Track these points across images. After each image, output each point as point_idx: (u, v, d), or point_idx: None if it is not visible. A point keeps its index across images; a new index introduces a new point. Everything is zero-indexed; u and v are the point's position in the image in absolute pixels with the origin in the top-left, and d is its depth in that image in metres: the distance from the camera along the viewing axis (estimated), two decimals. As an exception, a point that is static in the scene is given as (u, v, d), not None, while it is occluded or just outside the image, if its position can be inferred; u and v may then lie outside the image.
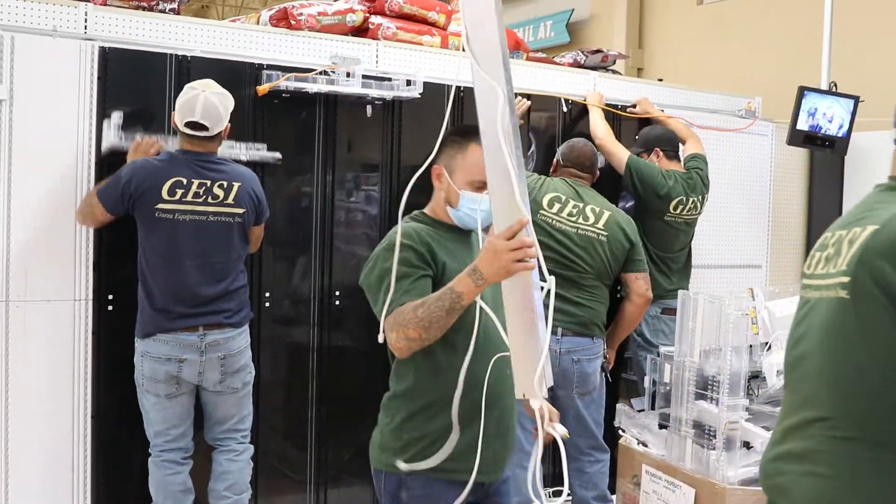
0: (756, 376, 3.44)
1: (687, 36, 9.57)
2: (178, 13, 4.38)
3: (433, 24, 5.05)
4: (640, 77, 9.70)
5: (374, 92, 4.47)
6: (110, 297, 3.94)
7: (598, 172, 4.72)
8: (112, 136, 3.87)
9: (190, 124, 3.73)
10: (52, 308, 3.81)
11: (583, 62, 5.90)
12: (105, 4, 4.09)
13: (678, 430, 3.23)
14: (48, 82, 3.80)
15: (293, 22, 4.55)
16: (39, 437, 3.84)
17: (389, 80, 4.54)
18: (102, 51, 3.91)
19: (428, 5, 5.12)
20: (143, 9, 4.21)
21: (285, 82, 4.22)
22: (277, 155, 4.28)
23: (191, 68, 4.09)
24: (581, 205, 4.43)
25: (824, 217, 6.55)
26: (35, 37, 3.79)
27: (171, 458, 3.84)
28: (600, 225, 4.43)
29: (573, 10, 11.22)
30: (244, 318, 3.92)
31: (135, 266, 3.82)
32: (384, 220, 4.55)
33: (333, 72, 4.37)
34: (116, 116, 3.88)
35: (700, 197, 5.08)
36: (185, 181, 3.73)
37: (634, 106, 5.46)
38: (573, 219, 4.41)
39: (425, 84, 4.60)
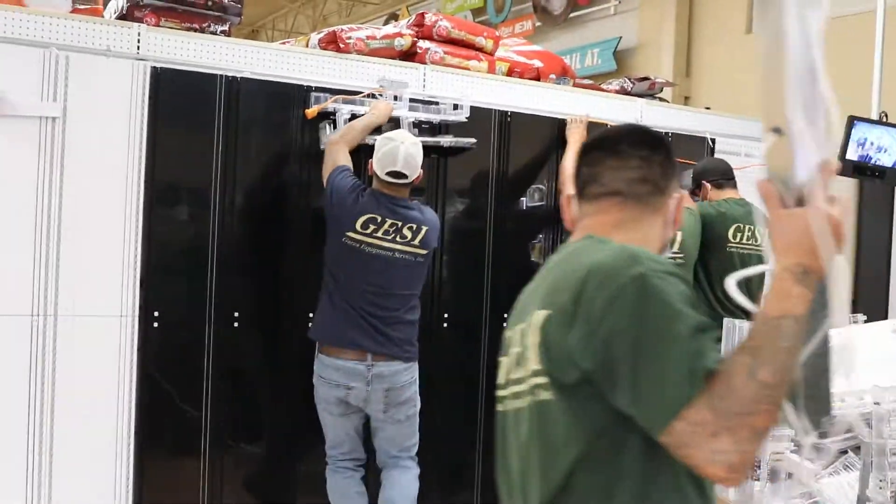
0: (802, 408, 3.40)
1: (735, 64, 9.52)
2: (229, 35, 4.44)
3: (480, 49, 5.07)
4: (688, 105, 9.67)
5: (420, 115, 4.50)
6: (156, 313, 3.97)
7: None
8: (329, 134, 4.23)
9: (391, 173, 3.98)
10: (99, 323, 3.86)
11: (630, 89, 5.89)
12: (158, 25, 4.16)
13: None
14: (101, 101, 3.87)
15: (342, 45, 4.58)
16: (84, 451, 3.87)
17: (437, 103, 4.57)
18: (154, 70, 3.97)
19: (475, 31, 5.14)
20: (195, 30, 4.28)
21: (333, 104, 4.26)
22: (472, 140, 4.57)
23: (240, 89, 4.14)
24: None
25: (873, 248, 6.47)
26: (89, 56, 3.86)
27: (346, 465, 4.14)
28: (676, 250, 4.44)
29: (620, 37, 11.23)
30: (412, 354, 4.09)
31: (179, 282, 3.90)
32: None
33: (381, 95, 4.40)
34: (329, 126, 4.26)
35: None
36: (378, 219, 3.97)
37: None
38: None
39: (472, 108, 4.62)
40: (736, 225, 5.02)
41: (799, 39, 1.60)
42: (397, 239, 4.02)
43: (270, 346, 4.32)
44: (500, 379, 1.81)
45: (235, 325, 4.14)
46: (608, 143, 1.91)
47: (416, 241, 4.05)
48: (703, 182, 5.14)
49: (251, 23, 22.20)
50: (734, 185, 5.19)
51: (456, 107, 4.59)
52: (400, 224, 4.01)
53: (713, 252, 5.00)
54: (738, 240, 5.03)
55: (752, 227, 5.07)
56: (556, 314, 1.63)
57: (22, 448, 3.75)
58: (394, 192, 4.05)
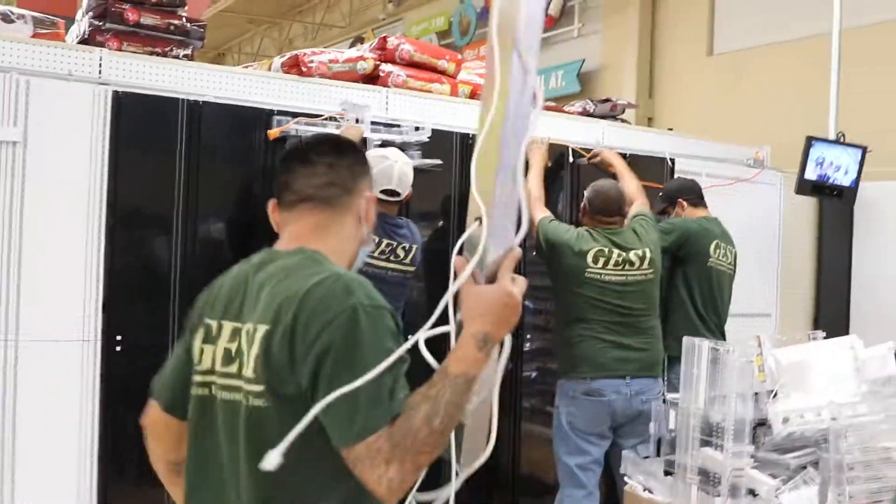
0: (762, 423, 3.43)
1: (697, 86, 9.64)
2: (192, 59, 4.45)
3: (443, 73, 5.11)
4: (651, 126, 9.77)
5: (384, 136, 4.52)
6: (119, 337, 3.95)
7: (626, 211, 4.67)
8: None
9: (386, 191, 4.07)
10: (62, 348, 3.83)
11: (592, 111, 5.95)
12: (120, 50, 4.16)
13: (683, 476, 3.21)
14: (62, 125, 3.85)
15: (304, 69, 4.61)
16: (47, 477, 3.82)
17: (398, 126, 4.59)
18: (116, 95, 3.96)
19: (438, 54, 5.19)
20: (158, 54, 4.28)
21: (295, 125, 4.27)
22: (438, 161, 4.61)
23: (202, 113, 4.15)
24: (624, 253, 4.44)
25: (834, 265, 6.57)
26: (50, 80, 3.85)
27: None
28: (646, 266, 4.46)
29: (584, 59, 11.32)
30: None
31: (142, 306, 3.90)
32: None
33: (342, 118, 4.42)
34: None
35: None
36: (376, 239, 4.04)
37: (595, 156, 5.26)
38: (620, 268, 4.42)
39: (434, 131, 4.65)
40: (715, 241, 5.11)
41: (512, 145, 1.86)
42: (391, 258, 4.14)
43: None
44: (205, 365, 1.94)
45: (199, 348, 4.12)
46: (298, 153, 2.10)
47: (408, 260, 4.21)
48: (680, 199, 5.20)
49: (217, 46, 22.19)
50: (705, 205, 5.27)
51: (417, 128, 4.62)
52: (395, 245, 4.15)
53: (695, 266, 5.07)
54: (716, 256, 5.11)
55: (726, 246, 5.15)
56: (277, 331, 1.79)
57: (-18, 475, 3.71)
58: (385, 209, 4.12)
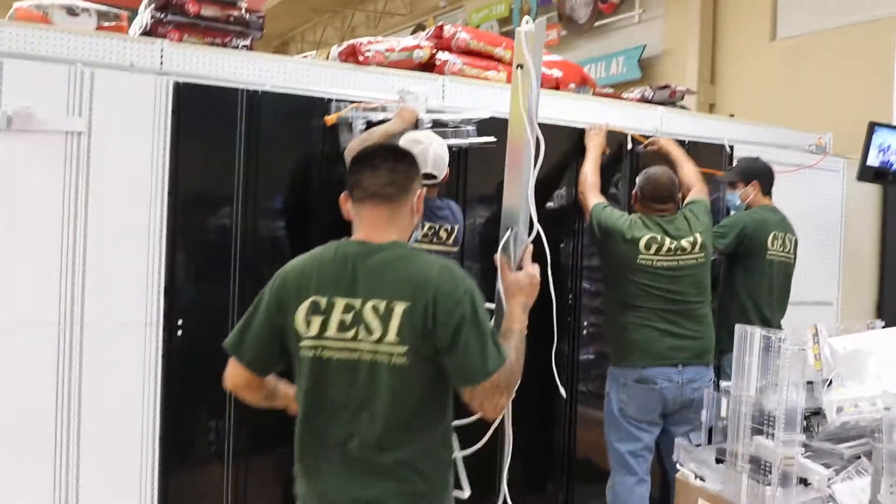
0: (817, 413, 3.40)
1: (759, 71, 9.51)
2: (251, 49, 4.52)
3: (499, 60, 5.13)
4: (713, 112, 9.67)
5: (439, 116, 4.55)
6: (180, 321, 4.05)
7: (679, 197, 4.68)
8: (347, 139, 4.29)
9: (423, 175, 4.00)
10: (124, 332, 3.94)
11: (650, 98, 5.93)
12: (181, 41, 4.25)
13: (734, 465, 3.21)
14: (125, 115, 3.95)
15: (361, 58, 4.66)
16: (110, 458, 3.95)
17: (458, 126, 4.60)
18: (177, 85, 4.05)
19: (494, 41, 5.20)
20: (217, 45, 4.36)
21: (352, 112, 4.32)
22: (492, 138, 4.53)
23: (261, 102, 4.22)
24: (676, 240, 4.44)
25: (896, 253, 6.45)
26: (114, 72, 3.95)
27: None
28: (697, 250, 4.47)
29: (645, 45, 11.23)
30: None
31: (202, 291, 4.01)
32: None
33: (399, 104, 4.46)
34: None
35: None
36: (425, 225, 4.12)
37: (651, 144, 5.25)
38: (673, 255, 4.42)
39: (491, 118, 4.66)
40: (773, 233, 5.05)
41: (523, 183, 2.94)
42: (434, 240, 4.17)
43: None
44: (313, 332, 2.47)
45: (258, 333, 4.21)
46: (366, 158, 2.64)
47: (450, 241, 4.25)
48: (756, 182, 5.16)
49: (280, 35, 22.40)
50: (771, 195, 5.23)
51: (478, 130, 4.63)
52: (437, 227, 4.18)
53: (753, 261, 5.03)
54: (775, 247, 5.06)
55: (784, 235, 5.10)
56: (418, 307, 2.41)
57: (49, 456, 3.83)
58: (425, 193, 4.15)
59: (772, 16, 9.50)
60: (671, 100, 5.99)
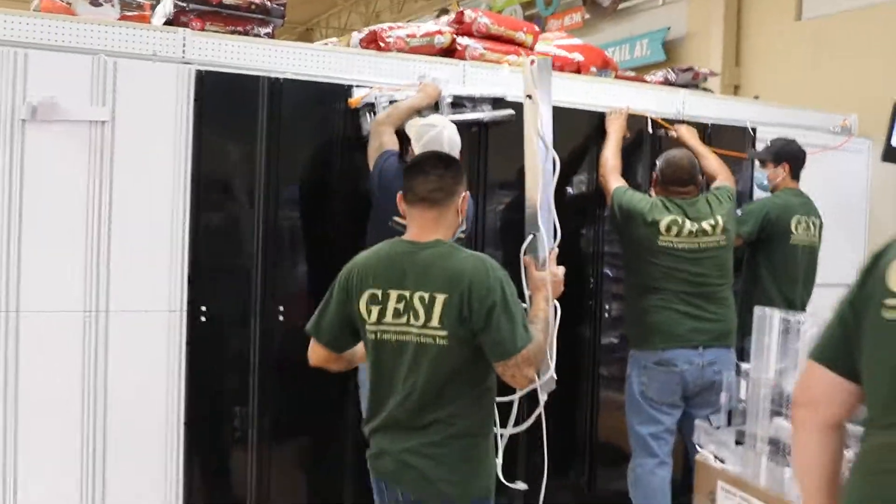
0: (838, 395, 3.41)
1: (784, 52, 9.43)
2: (273, 36, 4.55)
3: (520, 45, 5.13)
4: (738, 94, 9.60)
5: (460, 92, 4.59)
6: (203, 308, 4.10)
7: (700, 179, 4.68)
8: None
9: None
10: (149, 319, 4.00)
11: (674, 80, 5.90)
12: (203, 30, 4.28)
13: (754, 446, 3.22)
14: (148, 104, 4.00)
15: (382, 44, 4.67)
16: (135, 444, 4.01)
17: (475, 103, 4.61)
18: (199, 74, 4.08)
19: (515, 26, 5.21)
20: (239, 33, 4.39)
21: (376, 93, 4.34)
22: (511, 111, 4.58)
23: (283, 90, 4.25)
24: (697, 223, 4.44)
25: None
26: (136, 61, 3.99)
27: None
28: (719, 233, 4.47)
29: (669, 28, 11.15)
30: None
31: (226, 277, 4.10)
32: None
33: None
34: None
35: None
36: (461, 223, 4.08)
37: (668, 130, 5.24)
38: (693, 237, 4.42)
39: (512, 103, 4.66)
40: (797, 217, 5.04)
41: (544, 191, 3.62)
42: None
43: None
44: (373, 319, 2.90)
45: (281, 318, 4.26)
46: (418, 165, 3.03)
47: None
48: (787, 163, 5.14)
49: (304, 21, 22.40)
50: (799, 179, 5.21)
51: (496, 103, 4.64)
52: None
53: (777, 245, 5.02)
54: (799, 231, 5.05)
55: (808, 218, 5.08)
56: (454, 297, 2.80)
57: (75, 441, 3.90)
58: None
59: (797, -5, 9.42)
60: (694, 82, 5.97)
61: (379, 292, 2.90)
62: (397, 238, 3.04)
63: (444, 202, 2.97)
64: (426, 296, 2.84)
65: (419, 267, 2.89)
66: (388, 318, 2.89)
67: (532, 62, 3.76)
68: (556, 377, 3.33)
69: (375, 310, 2.91)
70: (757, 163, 5.33)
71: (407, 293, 2.87)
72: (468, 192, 3.08)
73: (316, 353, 3.13)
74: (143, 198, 3.98)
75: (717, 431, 3.49)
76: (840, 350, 2.04)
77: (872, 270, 2.01)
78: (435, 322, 2.82)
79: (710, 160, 4.93)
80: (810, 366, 2.11)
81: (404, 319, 2.87)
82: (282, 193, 4.28)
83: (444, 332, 2.81)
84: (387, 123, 4.21)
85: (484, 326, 2.80)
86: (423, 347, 2.84)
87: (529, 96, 3.81)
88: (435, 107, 4.43)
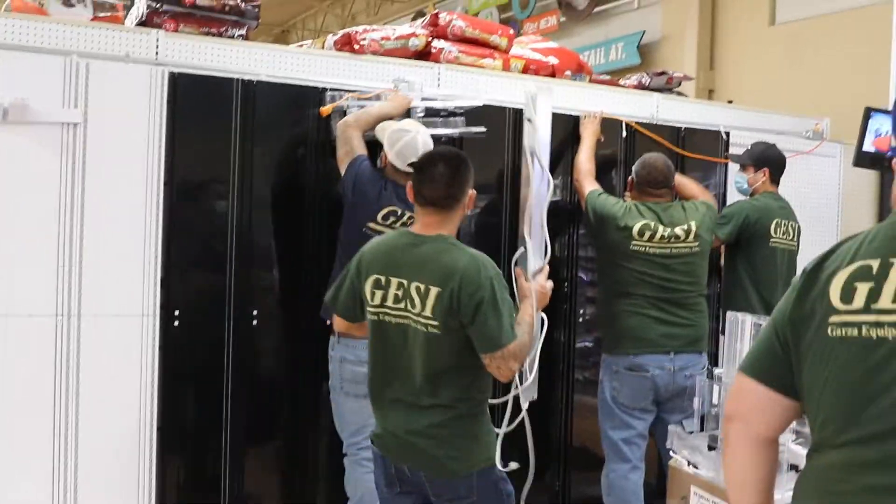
0: (809, 399, 3.42)
1: (758, 57, 9.50)
2: (247, 38, 4.53)
3: (495, 48, 5.12)
4: (712, 98, 9.66)
5: (434, 104, 4.54)
6: (176, 312, 4.08)
7: (674, 185, 4.70)
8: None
9: (412, 164, 3.98)
10: (121, 322, 3.97)
11: (647, 84, 5.92)
12: (176, 31, 4.26)
13: (726, 451, 3.23)
14: (120, 105, 3.97)
15: (356, 46, 4.66)
16: (108, 449, 3.98)
17: (452, 114, 4.61)
18: (172, 76, 4.06)
19: (490, 29, 5.20)
20: (213, 35, 4.37)
21: (347, 101, 4.33)
22: (482, 129, 4.58)
23: (256, 92, 4.23)
24: (670, 228, 4.45)
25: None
26: (109, 62, 3.96)
27: (367, 455, 4.12)
28: (691, 239, 4.48)
29: (644, 31, 11.21)
30: None
31: (198, 281, 4.07)
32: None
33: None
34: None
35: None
36: (398, 212, 4.07)
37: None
38: (666, 242, 4.43)
39: (487, 106, 4.67)
40: (776, 220, 5.06)
41: (537, 210, 4.09)
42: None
43: (289, 341, 4.41)
44: (376, 302, 3.13)
45: (254, 322, 4.24)
46: (426, 168, 3.17)
47: None
48: (767, 169, 5.16)
49: (281, 23, 22.36)
50: (778, 183, 5.24)
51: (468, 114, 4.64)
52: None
53: (756, 248, 5.03)
54: (778, 234, 5.06)
55: (787, 222, 5.10)
56: (446, 291, 2.99)
57: (47, 446, 3.87)
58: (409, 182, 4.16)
59: (770, 0, 9.49)
60: (668, 86, 5.98)
61: (382, 278, 3.13)
62: (404, 229, 3.34)
63: (451, 207, 3.16)
64: (422, 287, 3.05)
65: (418, 259, 3.10)
66: (390, 302, 3.11)
67: (532, 88, 4.23)
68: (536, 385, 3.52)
69: (378, 294, 3.13)
70: (736, 166, 5.35)
71: (405, 281, 3.08)
72: (475, 191, 3.25)
73: (338, 321, 3.51)
74: (115, 200, 3.96)
75: (690, 436, 3.50)
76: (775, 366, 1.96)
77: (810, 286, 1.92)
78: (428, 312, 3.03)
79: (692, 186, 4.96)
80: (742, 379, 2.02)
81: (402, 305, 3.09)
82: (255, 196, 4.26)
83: (435, 322, 3.02)
84: (355, 127, 4.19)
85: (472, 320, 2.99)
86: (418, 333, 3.06)
87: (529, 119, 4.25)
88: (406, 115, 4.41)
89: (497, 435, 3.23)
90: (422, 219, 3.19)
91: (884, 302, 1.76)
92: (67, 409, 3.88)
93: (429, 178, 3.14)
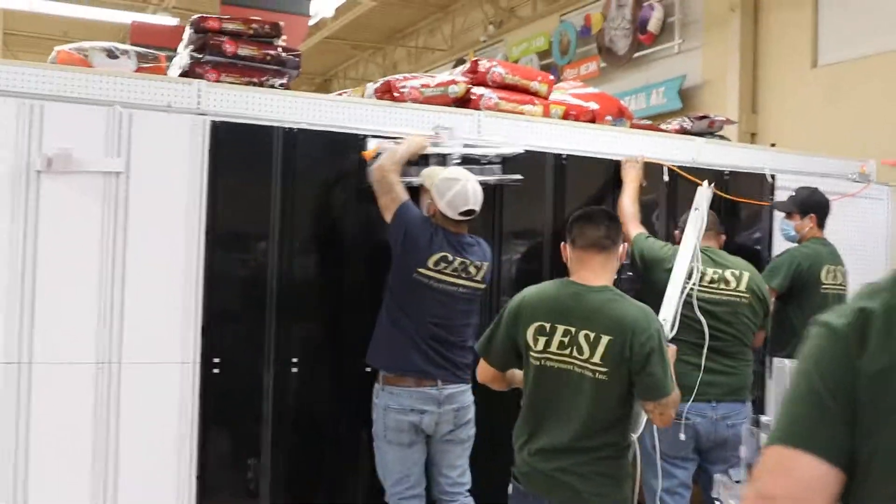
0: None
1: (801, 99, 9.43)
2: (288, 87, 4.57)
3: (535, 94, 5.12)
4: (755, 142, 9.59)
5: (473, 151, 4.54)
6: (216, 360, 4.07)
7: (722, 234, 4.69)
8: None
9: (465, 212, 4.14)
10: (162, 370, 3.97)
11: (689, 128, 5.88)
12: (218, 81, 4.30)
13: (775, 501, 3.15)
14: (163, 155, 4.01)
15: (396, 94, 4.68)
16: (148, 498, 3.97)
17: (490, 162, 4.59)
18: (214, 125, 4.09)
19: (530, 75, 5.20)
20: (255, 84, 4.42)
21: (388, 144, 4.32)
22: (519, 176, 4.59)
23: (297, 140, 4.25)
24: (721, 271, 4.40)
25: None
26: (151, 112, 4.00)
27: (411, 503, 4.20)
28: (742, 288, 4.42)
29: (685, 75, 11.20)
30: (470, 377, 4.18)
31: (238, 328, 4.09)
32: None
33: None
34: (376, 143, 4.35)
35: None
36: (450, 257, 4.12)
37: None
38: (715, 286, 4.38)
39: (528, 151, 4.66)
40: (826, 266, 5.00)
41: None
42: (463, 275, 4.16)
43: (330, 389, 4.39)
44: (539, 348, 3.29)
45: (294, 369, 4.22)
46: (588, 216, 3.45)
47: (479, 277, 4.22)
48: (813, 215, 5.11)
49: (323, 72, 22.68)
50: (824, 227, 5.18)
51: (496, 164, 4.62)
52: (468, 262, 4.16)
53: (809, 295, 4.96)
54: (828, 280, 5.00)
55: (836, 267, 5.04)
56: (618, 340, 3.19)
57: (86, 495, 3.86)
58: (459, 230, 4.19)
59: (812, 43, 9.44)
60: (710, 130, 5.94)
61: (547, 325, 3.30)
62: (566, 279, 3.44)
63: (611, 248, 3.40)
64: (591, 334, 3.22)
65: (588, 308, 3.28)
66: (553, 348, 3.28)
67: (707, 183, 4.63)
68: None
69: (542, 340, 3.30)
70: (781, 214, 5.29)
71: (573, 329, 3.25)
72: (626, 244, 3.61)
73: (483, 371, 3.58)
74: (157, 249, 3.98)
75: (736, 485, 3.41)
76: (835, 433, 1.55)
77: (882, 330, 1.56)
78: (597, 359, 3.21)
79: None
80: (788, 454, 1.57)
81: (568, 351, 3.25)
82: (296, 244, 4.27)
83: (604, 369, 3.20)
84: (393, 171, 4.18)
85: (641, 369, 3.18)
86: (582, 379, 3.23)
87: (697, 209, 4.50)
88: (441, 160, 4.41)
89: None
90: (584, 263, 3.39)
91: None
92: (107, 457, 3.87)
93: (590, 222, 3.41)
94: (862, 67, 8.64)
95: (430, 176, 4.20)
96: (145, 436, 3.94)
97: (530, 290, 3.47)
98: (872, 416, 1.52)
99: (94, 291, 3.86)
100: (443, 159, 4.41)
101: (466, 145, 4.52)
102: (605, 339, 3.21)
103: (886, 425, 1.51)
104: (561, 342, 3.27)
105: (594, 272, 3.37)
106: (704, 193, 4.56)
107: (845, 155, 6.28)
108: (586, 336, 3.23)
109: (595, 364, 3.22)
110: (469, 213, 4.16)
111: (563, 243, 3.50)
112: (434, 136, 4.47)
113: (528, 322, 3.34)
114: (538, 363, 3.32)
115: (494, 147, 4.59)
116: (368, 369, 4.22)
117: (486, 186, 4.44)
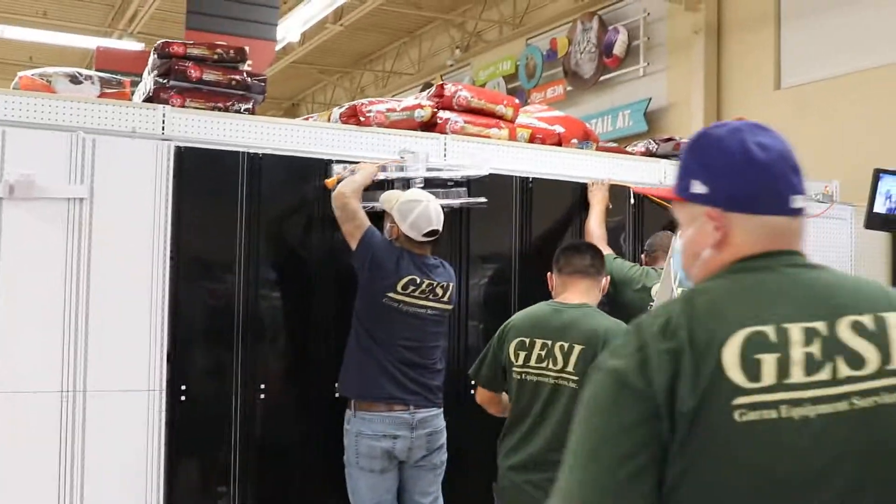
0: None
1: (765, 121, 9.21)
2: (254, 112, 4.55)
3: (501, 118, 5.13)
4: (720, 163, 9.66)
5: (439, 174, 4.56)
6: (183, 387, 4.03)
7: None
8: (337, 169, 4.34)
9: (429, 233, 4.15)
10: (128, 398, 3.92)
11: (654, 150, 5.92)
12: (183, 106, 4.28)
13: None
14: (126, 181, 3.97)
15: (362, 118, 4.67)
16: (114, 526, 3.91)
17: (455, 185, 4.62)
18: (178, 150, 4.07)
19: (496, 99, 5.22)
20: (220, 109, 4.39)
21: (346, 173, 4.31)
22: (483, 199, 4.63)
23: (262, 165, 4.24)
24: None
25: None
26: (115, 138, 3.98)
27: None
28: None
29: (650, 98, 11.29)
30: (442, 400, 4.22)
31: (205, 355, 4.04)
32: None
33: (402, 166, 4.47)
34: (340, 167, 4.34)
35: None
36: (417, 280, 4.13)
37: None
38: None
39: (493, 175, 4.68)
40: None
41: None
42: (430, 297, 4.16)
43: (298, 415, 4.35)
44: (520, 362, 3.53)
45: (262, 396, 4.19)
46: (575, 247, 3.80)
47: (446, 298, 4.23)
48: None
49: (291, 97, 22.63)
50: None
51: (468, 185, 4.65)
52: (434, 284, 4.17)
53: None
54: None
55: None
56: (590, 349, 3.34)
57: (51, 524, 3.80)
58: (422, 251, 4.20)
59: (776, 65, 9.56)
60: (675, 152, 5.98)
61: (527, 340, 3.54)
62: (550, 300, 3.69)
63: (594, 276, 3.68)
64: (566, 345, 3.43)
65: (564, 321, 3.50)
66: (532, 362, 3.50)
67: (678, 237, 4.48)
68: None
69: (522, 354, 3.54)
70: None
71: (549, 342, 3.47)
72: (608, 277, 3.87)
73: (480, 394, 3.84)
74: (121, 275, 3.94)
75: None
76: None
77: (700, 364, 1.50)
78: (570, 368, 3.39)
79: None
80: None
81: (545, 364, 3.47)
82: (262, 269, 4.25)
83: (576, 377, 3.35)
84: (354, 197, 4.16)
85: None
86: (557, 390, 3.42)
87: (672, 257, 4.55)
88: (406, 184, 4.42)
89: None
90: (568, 287, 3.64)
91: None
92: (73, 485, 3.81)
93: (577, 252, 3.72)
94: (825, 89, 8.76)
95: (390, 200, 4.21)
96: (111, 465, 3.88)
97: (518, 313, 3.73)
98: (688, 443, 1.48)
99: (58, 319, 3.81)
100: (408, 183, 4.41)
101: (430, 169, 4.53)
102: (577, 349, 3.40)
103: (702, 455, 1.47)
104: (539, 355, 3.49)
105: (577, 294, 3.61)
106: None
107: (809, 176, 6.33)
108: (560, 347, 3.44)
109: (568, 374, 3.39)
110: (432, 233, 4.16)
111: (549, 273, 3.72)
112: (399, 160, 4.48)
113: (511, 339, 3.58)
114: (519, 377, 3.54)
115: (458, 170, 4.60)
116: (337, 395, 4.20)
117: (452, 210, 4.45)
